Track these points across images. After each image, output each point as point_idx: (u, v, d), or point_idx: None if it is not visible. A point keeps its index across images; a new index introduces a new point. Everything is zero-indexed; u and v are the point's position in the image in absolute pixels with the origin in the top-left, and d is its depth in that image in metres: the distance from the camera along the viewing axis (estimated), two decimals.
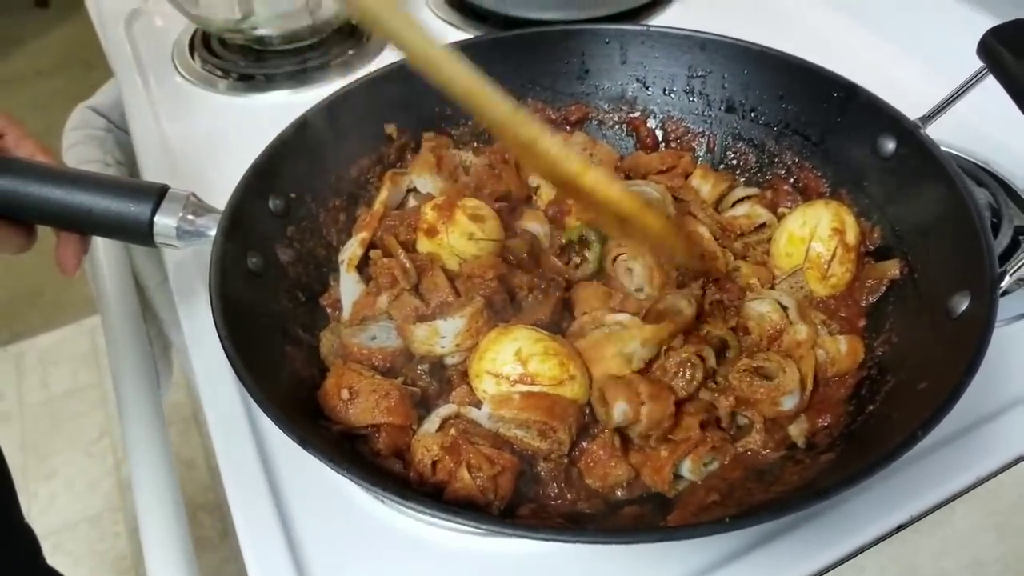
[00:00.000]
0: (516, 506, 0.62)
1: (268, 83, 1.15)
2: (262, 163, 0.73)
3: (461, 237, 0.75)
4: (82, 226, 0.69)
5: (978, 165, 0.92)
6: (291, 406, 0.60)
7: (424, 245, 0.76)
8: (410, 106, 0.86)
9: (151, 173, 1.01)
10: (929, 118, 0.76)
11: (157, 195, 0.69)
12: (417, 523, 0.65)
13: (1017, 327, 0.78)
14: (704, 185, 0.84)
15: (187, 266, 0.87)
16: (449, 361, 0.69)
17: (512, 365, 0.64)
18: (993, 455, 0.68)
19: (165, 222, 0.68)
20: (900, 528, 0.64)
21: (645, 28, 0.88)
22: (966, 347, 0.58)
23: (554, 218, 0.82)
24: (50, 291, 2.55)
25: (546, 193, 0.85)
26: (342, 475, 0.53)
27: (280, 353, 0.67)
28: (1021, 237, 0.86)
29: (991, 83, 0.72)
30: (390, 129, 0.85)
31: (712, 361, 0.68)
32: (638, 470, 0.64)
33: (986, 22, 0.73)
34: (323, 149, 0.80)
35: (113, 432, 2.21)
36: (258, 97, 1.14)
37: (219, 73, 1.19)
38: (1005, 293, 0.78)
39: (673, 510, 0.62)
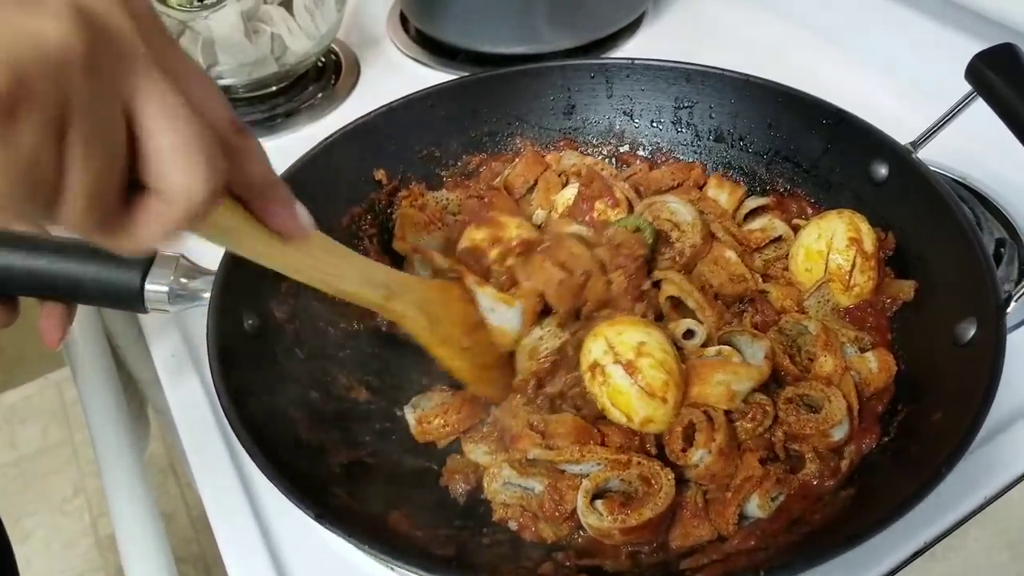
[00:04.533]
0: (539, 563, 0.60)
1: None
2: None
3: None
4: (69, 296, 0.66)
5: (955, 180, 0.93)
6: (301, 477, 0.58)
7: None
8: (397, 149, 0.85)
9: None
10: (919, 143, 0.76)
11: (145, 259, 0.66)
12: None
13: (1016, 336, 0.77)
14: (721, 194, 0.82)
15: (164, 326, 0.84)
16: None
17: (630, 350, 0.64)
18: (999, 473, 0.67)
19: (156, 288, 0.66)
20: (916, 555, 0.63)
21: (630, 61, 0.88)
22: (979, 376, 0.58)
23: None
24: (11, 347, 2.45)
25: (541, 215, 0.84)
26: (362, 550, 0.51)
27: (285, 420, 0.65)
28: (1002, 249, 0.87)
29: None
30: (379, 174, 0.84)
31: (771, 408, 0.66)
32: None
33: (972, 46, 0.73)
34: (314, 200, 0.77)
35: (88, 488, 2.13)
36: None
37: None
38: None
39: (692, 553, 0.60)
